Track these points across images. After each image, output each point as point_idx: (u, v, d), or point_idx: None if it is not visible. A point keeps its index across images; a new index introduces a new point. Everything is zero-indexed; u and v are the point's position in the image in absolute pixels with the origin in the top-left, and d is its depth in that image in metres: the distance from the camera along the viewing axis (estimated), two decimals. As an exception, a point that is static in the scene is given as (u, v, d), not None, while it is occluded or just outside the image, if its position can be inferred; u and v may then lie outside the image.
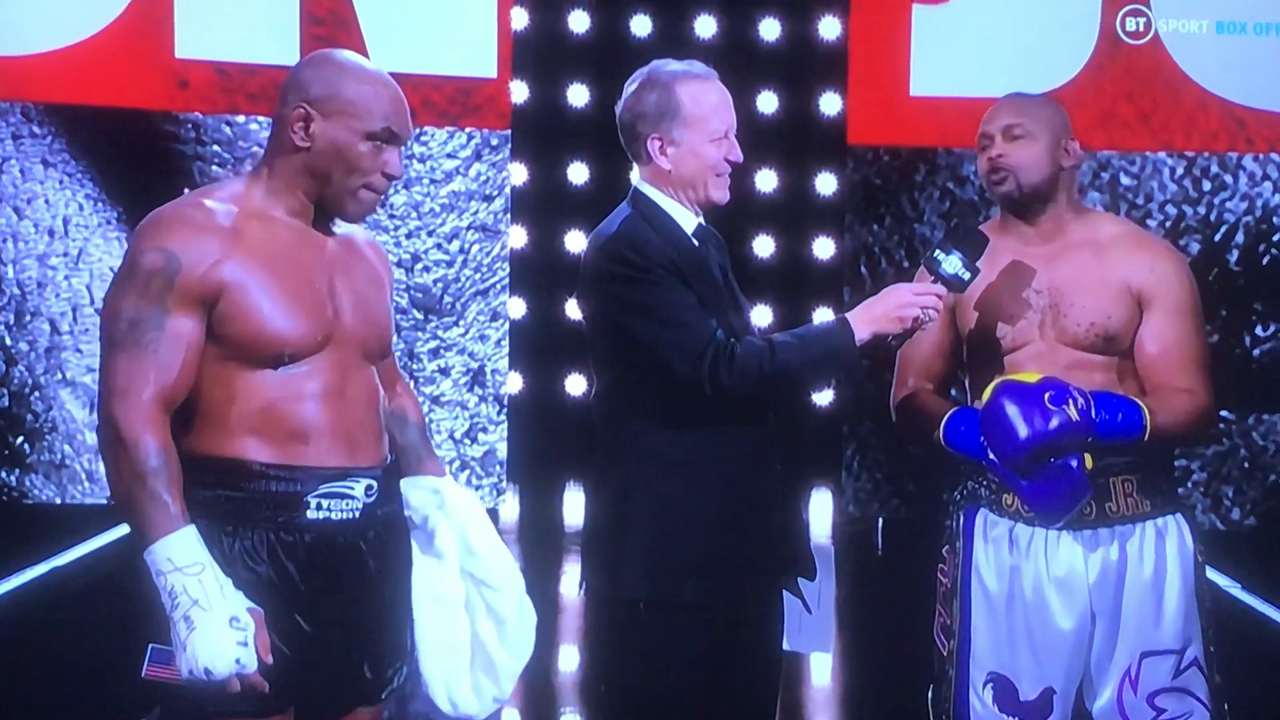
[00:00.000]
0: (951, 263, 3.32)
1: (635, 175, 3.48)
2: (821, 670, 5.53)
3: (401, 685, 3.00)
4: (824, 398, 7.27)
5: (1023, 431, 3.22)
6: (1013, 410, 3.23)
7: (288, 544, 2.80)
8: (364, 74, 2.91)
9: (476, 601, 3.03)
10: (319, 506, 2.82)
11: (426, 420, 3.23)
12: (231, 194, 2.88)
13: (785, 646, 3.56)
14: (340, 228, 2.97)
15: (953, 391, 3.62)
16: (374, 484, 2.88)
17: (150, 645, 2.71)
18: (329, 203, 2.90)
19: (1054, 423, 3.20)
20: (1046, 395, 3.23)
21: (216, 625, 2.65)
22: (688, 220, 3.41)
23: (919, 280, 3.42)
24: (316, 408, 2.82)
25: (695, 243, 3.40)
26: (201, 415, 2.80)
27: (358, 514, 2.86)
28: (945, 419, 3.40)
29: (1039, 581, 3.42)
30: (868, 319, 3.30)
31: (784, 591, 3.46)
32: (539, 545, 7.02)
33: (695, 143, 3.38)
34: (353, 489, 2.85)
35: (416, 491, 3.04)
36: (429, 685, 3.01)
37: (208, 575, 2.67)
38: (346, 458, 2.85)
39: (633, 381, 3.35)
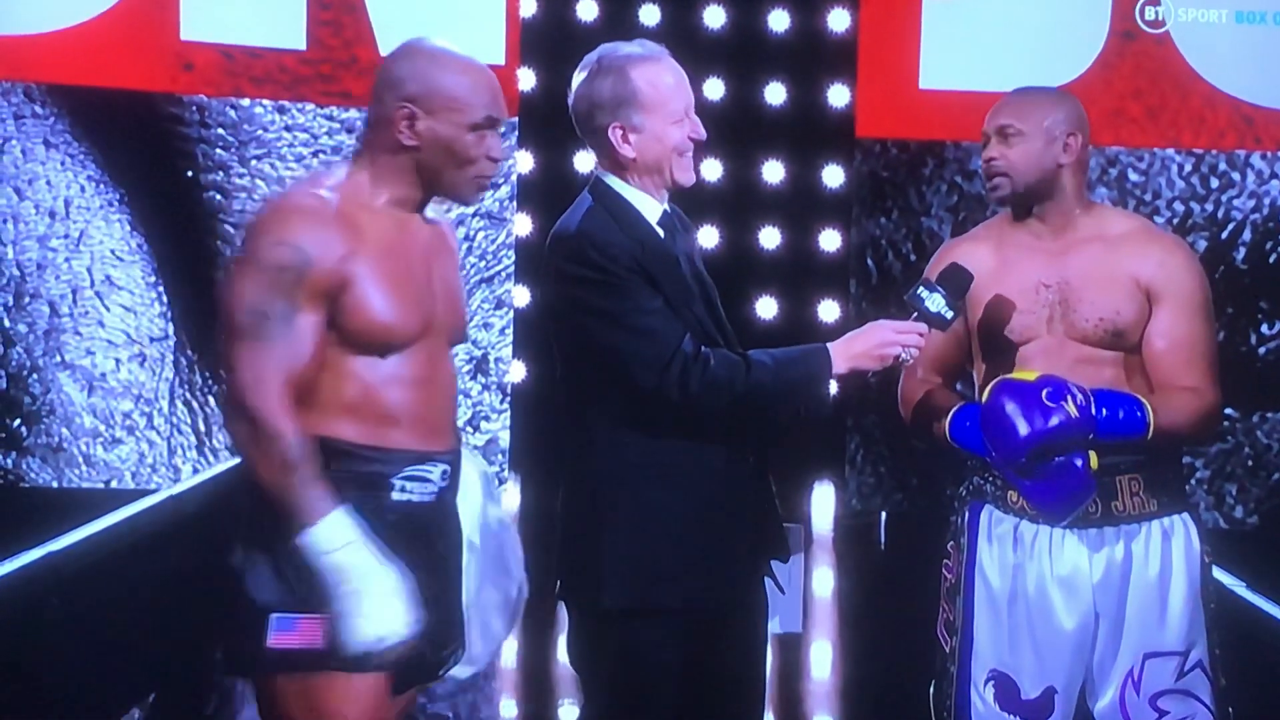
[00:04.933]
0: (935, 301, 3.30)
1: (591, 162, 3.42)
2: (823, 664, 5.51)
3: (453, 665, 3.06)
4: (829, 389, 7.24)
5: (1023, 429, 3.19)
6: (1012, 408, 3.21)
7: (371, 525, 2.83)
8: (460, 64, 2.96)
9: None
10: (402, 489, 2.88)
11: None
12: (337, 184, 2.91)
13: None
14: (429, 213, 3.02)
15: (959, 386, 3.59)
16: (448, 469, 2.96)
17: (272, 615, 2.78)
18: (442, 192, 2.97)
19: (1054, 420, 3.18)
20: (1044, 392, 3.21)
21: (385, 596, 2.75)
22: (652, 209, 3.34)
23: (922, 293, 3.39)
24: (408, 393, 2.88)
25: (661, 233, 3.33)
26: (299, 396, 2.83)
27: (433, 497, 2.93)
28: (950, 415, 3.37)
29: (1042, 580, 3.40)
30: (848, 354, 3.26)
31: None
32: (540, 535, 6.99)
33: (657, 127, 3.30)
34: (431, 473, 2.91)
35: None
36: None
37: (367, 550, 2.76)
38: (427, 442, 2.91)
39: (599, 384, 3.29)
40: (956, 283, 3.32)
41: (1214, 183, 7.50)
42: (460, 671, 3.06)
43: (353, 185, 2.91)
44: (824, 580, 6.35)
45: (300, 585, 2.79)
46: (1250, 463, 7.54)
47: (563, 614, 3.44)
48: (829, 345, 3.28)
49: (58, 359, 7.44)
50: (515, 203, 7.43)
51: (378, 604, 2.75)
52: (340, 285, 2.81)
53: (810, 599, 5.73)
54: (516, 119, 7.33)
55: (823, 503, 7.35)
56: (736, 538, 3.31)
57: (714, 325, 3.34)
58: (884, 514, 7.46)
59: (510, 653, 5.36)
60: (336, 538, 2.75)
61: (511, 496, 7.37)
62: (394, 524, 2.86)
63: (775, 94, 7.29)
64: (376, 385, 2.86)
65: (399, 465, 2.87)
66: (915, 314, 3.29)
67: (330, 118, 7.43)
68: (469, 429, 7.44)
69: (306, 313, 2.79)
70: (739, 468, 3.33)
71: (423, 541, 2.91)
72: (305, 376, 2.81)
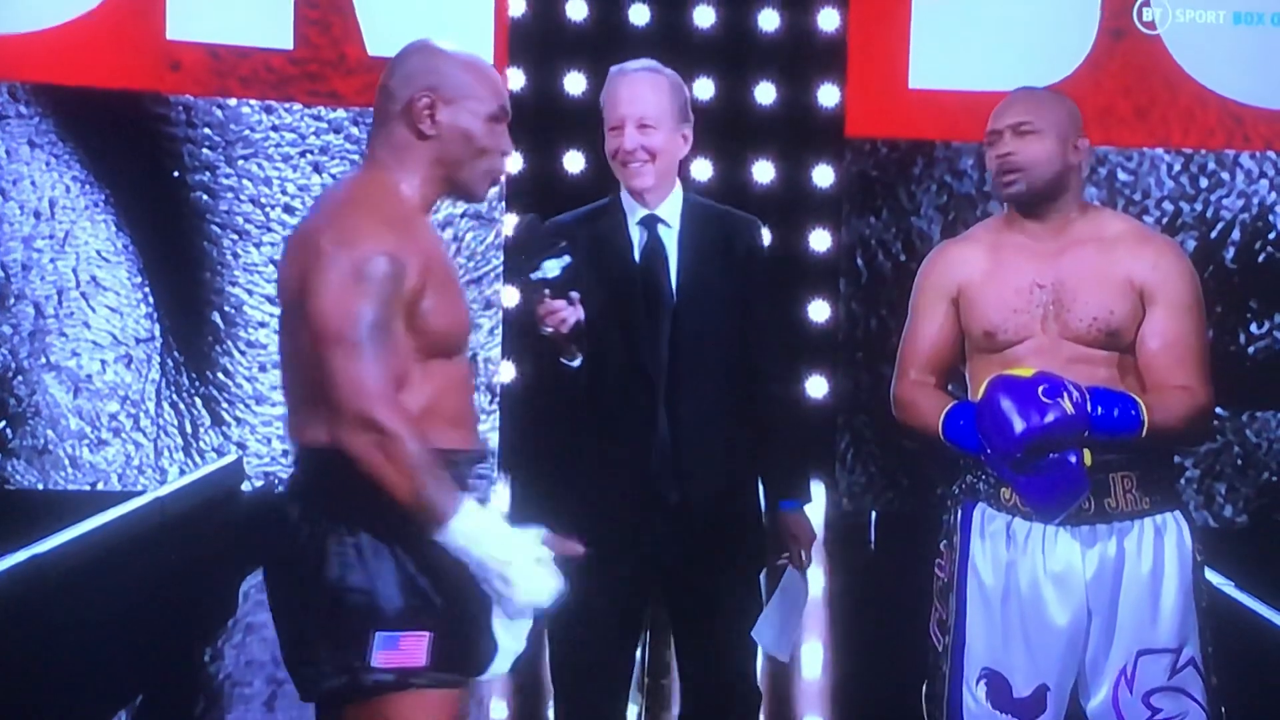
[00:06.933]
0: (547, 268, 3.39)
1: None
2: (813, 664, 5.50)
3: None
4: (819, 389, 7.23)
5: (1018, 425, 3.18)
6: (1008, 404, 3.20)
7: None
8: (468, 59, 3.00)
9: None
10: (471, 489, 2.92)
11: None
12: (379, 186, 2.90)
13: (752, 633, 3.68)
14: None
15: (949, 386, 3.58)
16: (482, 466, 3.00)
17: (374, 632, 2.77)
18: (460, 188, 2.98)
19: (1050, 416, 3.17)
20: (1041, 389, 3.20)
21: (527, 571, 2.78)
22: (634, 209, 3.65)
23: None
24: (465, 394, 2.95)
25: (637, 235, 3.61)
26: None
27: (487, 496, 3.04)
28: (945, 414, 3.36)
29: (1035, 577, 3.39)
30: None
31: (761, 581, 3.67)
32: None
33: None
34: (486, 472, 2.95)
35: None
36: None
37: (499, 534, 2.79)
38: (474, 441, 2.98)
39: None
40: (532, 239, 3.48)
41: (1203, 182, 7.50)
42: (499, 666, 3.04)
43: (390, 186, 2.92)
44: (814, 580, 6.33)
45: (417, 595, 2.81)
46: (1239, 462, 7.55)
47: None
48: None
49: (43, 361, 7.41)
50: (504, 203, 7.42)
51: (523, 584, 2.78)
52: (420, 290, 2.82)
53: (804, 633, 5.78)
54: (505, 119, 7.34)
55: (813, 502, 7.33)
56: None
57: (626, 338, 3.56)
58: (874, 513, 7.45)
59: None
60: (471, 528, 2.76)
61: (501, 497, 7.36)
62: None
63: (765, 94, 7.29)
64: (447, 388, 2.88)
65: (468, 466, 2.93)
66: (545, 292, 3.40)
67: (317, 117, 7.41)
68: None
69: (399, 321, 2.80)
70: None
71: None
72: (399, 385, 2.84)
